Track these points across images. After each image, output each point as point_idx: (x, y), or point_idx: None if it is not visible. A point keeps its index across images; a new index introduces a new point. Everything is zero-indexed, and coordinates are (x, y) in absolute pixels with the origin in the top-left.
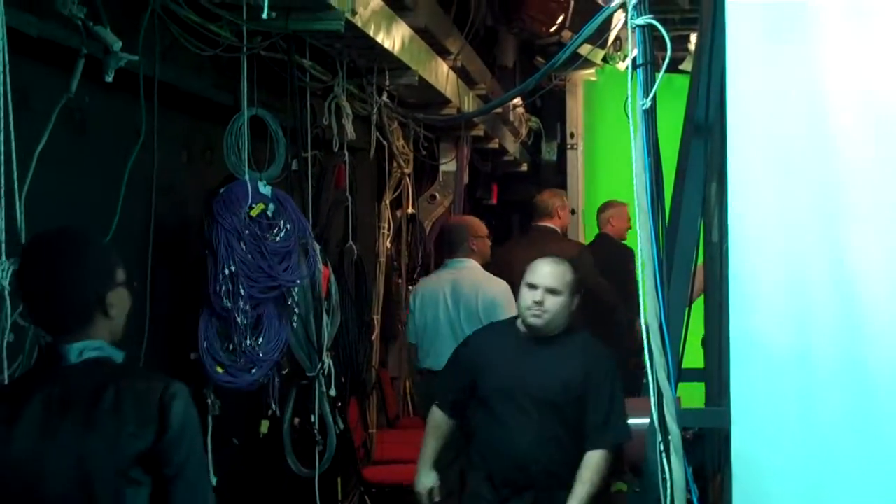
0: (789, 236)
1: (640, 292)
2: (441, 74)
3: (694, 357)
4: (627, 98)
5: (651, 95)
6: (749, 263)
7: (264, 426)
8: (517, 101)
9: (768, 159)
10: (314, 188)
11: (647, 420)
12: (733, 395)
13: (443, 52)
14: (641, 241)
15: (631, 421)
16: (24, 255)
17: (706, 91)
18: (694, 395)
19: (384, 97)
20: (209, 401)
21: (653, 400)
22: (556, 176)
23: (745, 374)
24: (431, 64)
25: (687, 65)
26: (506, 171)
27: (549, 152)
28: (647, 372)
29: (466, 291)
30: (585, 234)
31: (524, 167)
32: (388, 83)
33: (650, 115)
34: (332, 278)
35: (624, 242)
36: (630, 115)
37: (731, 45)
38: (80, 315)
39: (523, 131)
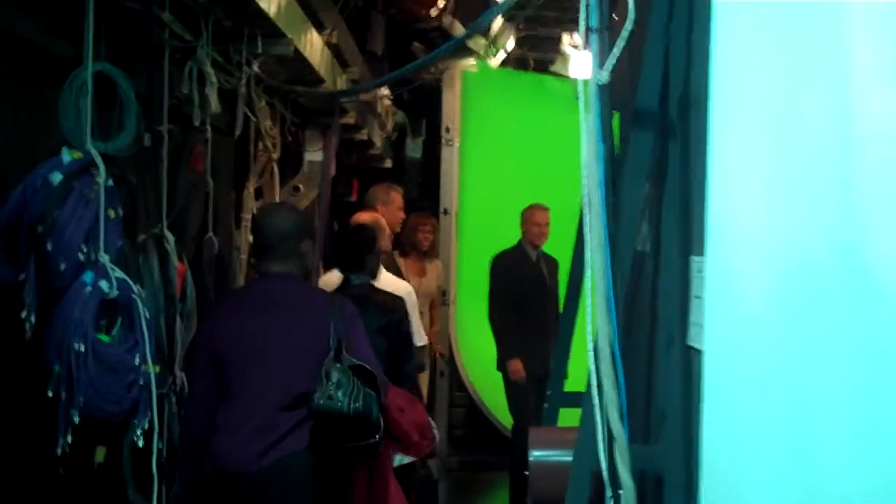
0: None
1: (591, 312)
2: (316, 49)
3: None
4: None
5: (609, 68)
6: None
7: (100, 454)
8: (385, 91)
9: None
10: (168, 169)
11: (560, 454)
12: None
13: (318, 26)
14: (591, 250)
15: (539, 453)
16: None
17: (660, 73)
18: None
19: (255, 67)
20: None
21: (601, 445)
22: (422, 174)
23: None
24: (307, 35)
25: (559, 67)
26: (368, 166)
27: (413, 149)
28: (592, 409)
29: None
30: (459, 237)
31: (388, 163)
32: (259, 50)
33: (606, 91)
34: (188, 276)
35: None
36: (580, 91)
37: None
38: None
39: (389, 125)
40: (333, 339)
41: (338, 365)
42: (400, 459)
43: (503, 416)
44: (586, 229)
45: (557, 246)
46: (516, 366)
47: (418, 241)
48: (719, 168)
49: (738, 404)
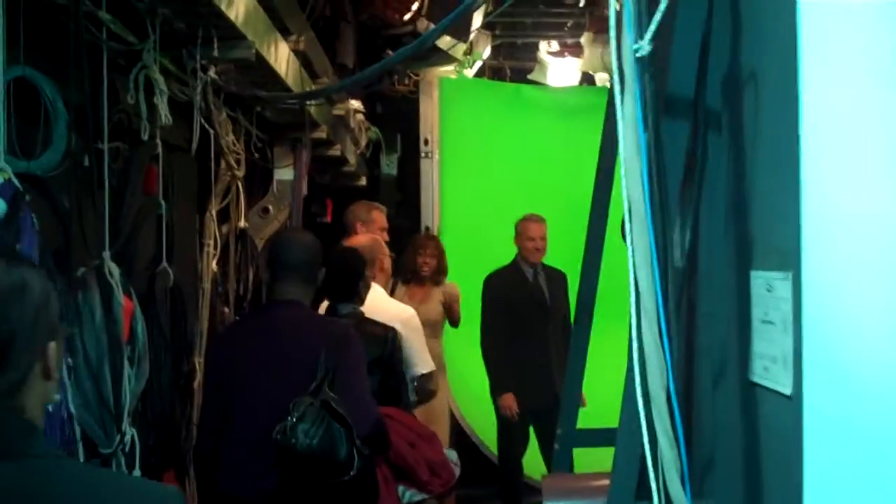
0: None
1: (636, 345)
2: (282, 56)
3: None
4: (612, 48)
5: (648, 37)
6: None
7: None
8: (357, 105)
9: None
10: (114, 191)
11: None
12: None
13: (283, 31)
14: (637, 268)
15: None
16: None
17: (697, 46)
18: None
19: (212, 73)
20: None
21: None
22: (397, 192)
23: None
24: (271, 39)
25: (537, 75)
26: (342, 184)
27: (388, 165)
28: (647, 472)
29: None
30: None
31: (363, 181)
32: (216, 54)
33: (645, 66)
34: (138, 313)
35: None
36: (614, 67)
37: None
38: None
39: (363, 141)
40: (320, 371)
41: (307, 399)
42: (410, 496)
43: (495, 446)
44: (629, 241)
45: (554, 260)
46: (507, 401)
47: (418, 266)
48: (813, 159)
49: (852, 460)
